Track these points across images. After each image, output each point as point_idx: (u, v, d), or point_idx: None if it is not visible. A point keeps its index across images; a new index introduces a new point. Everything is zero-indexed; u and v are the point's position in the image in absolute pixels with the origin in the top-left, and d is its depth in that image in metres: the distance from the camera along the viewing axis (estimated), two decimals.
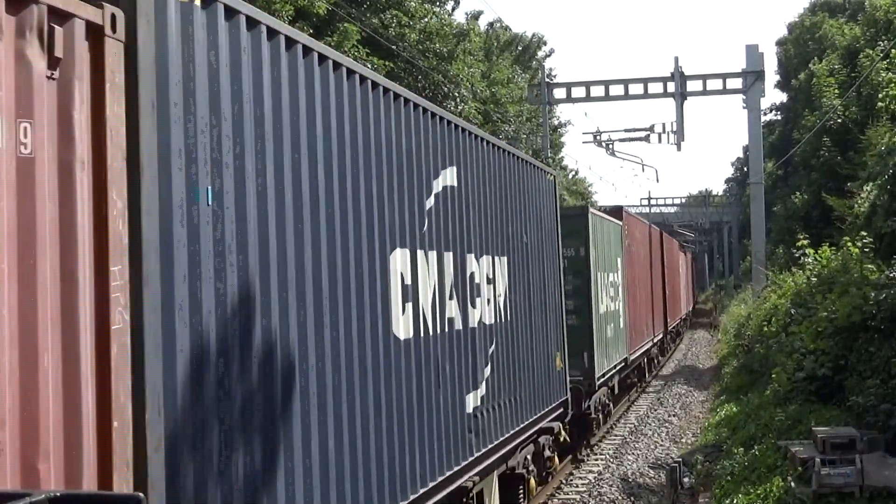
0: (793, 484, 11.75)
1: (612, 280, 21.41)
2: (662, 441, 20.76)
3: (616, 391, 22.99)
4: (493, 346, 10.57)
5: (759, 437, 15.46)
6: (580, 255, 18.24)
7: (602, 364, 19.21)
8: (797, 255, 22.99)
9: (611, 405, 22.06)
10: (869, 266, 16.62)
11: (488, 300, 10.50)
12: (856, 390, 13.88)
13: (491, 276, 10.63)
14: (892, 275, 15.53)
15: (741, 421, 18.18)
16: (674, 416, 24.36)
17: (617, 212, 24.15)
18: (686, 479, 15.75)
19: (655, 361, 33.44)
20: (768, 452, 13.91)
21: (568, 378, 14.59)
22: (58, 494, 2.27)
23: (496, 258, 10.89)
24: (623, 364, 22.88)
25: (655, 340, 31.97)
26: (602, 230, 20.14)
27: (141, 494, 2.31)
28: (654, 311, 31.32)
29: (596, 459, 18.70)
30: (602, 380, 19.37)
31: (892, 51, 25.19)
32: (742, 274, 64.94)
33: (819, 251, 21.38)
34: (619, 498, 15.55)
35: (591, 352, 18.29)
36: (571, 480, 16.77)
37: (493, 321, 10.60)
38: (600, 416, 20.43)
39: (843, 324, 15.23)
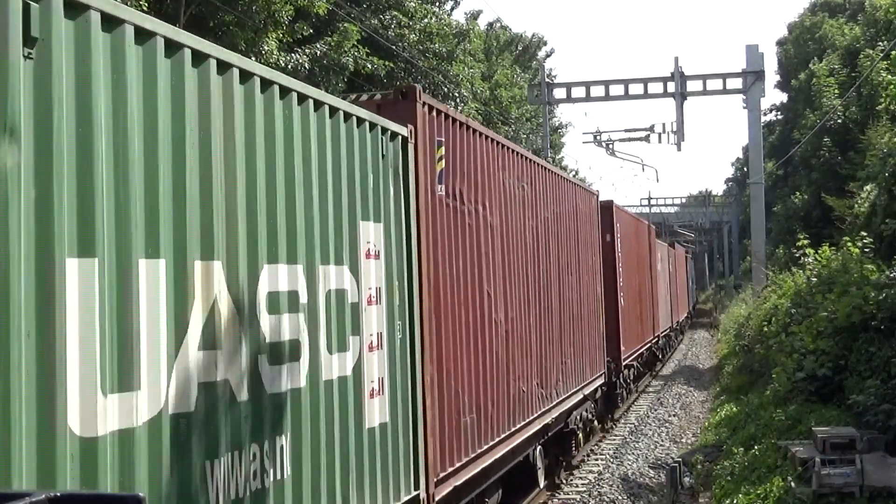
0: (793, 484, 11.76)
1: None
2: (662, 441, 20.76)
3: None
4: None
5: (759, 437, 15.47)
6: None
7: None
8: (797, 255, 22.97)
9: None
10: (869, 266, 16.63)
11: None
12: (856, 390, 13.89)
13: None
14: (892, 275, 15.54)
15: (741, 421, 18.18)
16: (674, 416, 24.36)
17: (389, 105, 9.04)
18: (686, 479, 15.76)
19: (578, 440, 17.28)
20: (768, 452, 13.92)
21: None
22: (58, 494, 2.27)
23: None
24: None
25: (585, 396, 16.77)
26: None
27: (142, 494, 2.31)
28: (579, 343, 16.13)
29: (596, 460, 18.70)
30: None
31: (893, 52, 25.19)
32: (742, 274, 64.92)
33: (819, 251, 21.37)
34: (619, 498, 15.55)
35: None
36: (571, 480, 16.77)
37: None
38: None
39: (843, 324, 15.25)
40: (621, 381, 22.80)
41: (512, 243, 12.03)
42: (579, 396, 16.16)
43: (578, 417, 16.71)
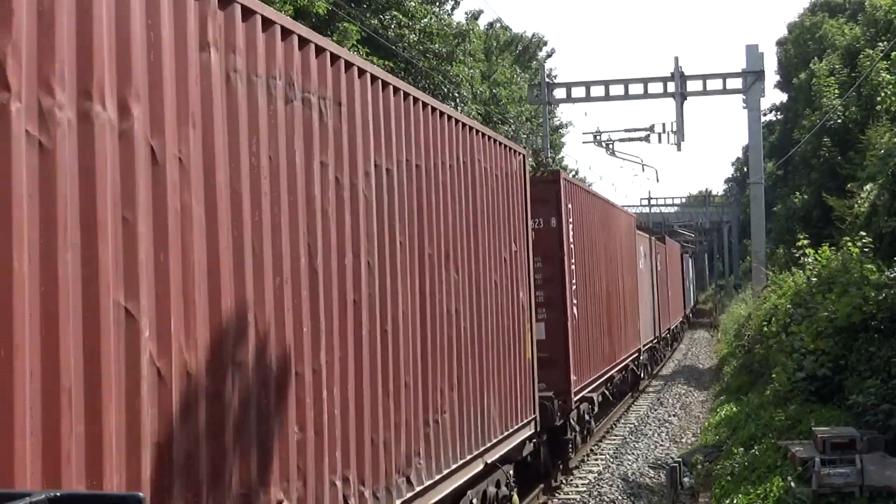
0: (793, 484, 11.75)
1: None
2: (662, 441, 20.76)
3: None
4: None
5: (759, 437, 15.47)
6: None
7: None
8: (797, 255, 22.97)
9: None
10: (869, 266, 16.62)
11: None
12: (856, 390, 13.89)
13: None
14: (892, 275, 15.53)
15: (741, 421, 18.18)
16: (674, 416, 24.35)
17: None
18: (686, 479, 15.76)
19: None
20: (768, 452, 13.91)
21: None
22: (58, 494, 2.27)
23: None
24: None
25: (489, 465, 10.71)
26: None
27: (141, 494, 2.30)
28: (477, 382, 10.23)
29: (596, 459, 18.70)
30: None
31: (893, 52, 25.18)
32: (742, 274, 64.93)
33: (819, 251, 21.37)
34: (619, 498, 15.55)
35: None
36: (572, 480, 16.77)
37: None
38: None
39: (843, 324, 15.24)
40: (572, 422, 16.48)
41: (261, 213, 5.69)
42: (477, 468, 10.10)
43: (479, 499, 10.61)
